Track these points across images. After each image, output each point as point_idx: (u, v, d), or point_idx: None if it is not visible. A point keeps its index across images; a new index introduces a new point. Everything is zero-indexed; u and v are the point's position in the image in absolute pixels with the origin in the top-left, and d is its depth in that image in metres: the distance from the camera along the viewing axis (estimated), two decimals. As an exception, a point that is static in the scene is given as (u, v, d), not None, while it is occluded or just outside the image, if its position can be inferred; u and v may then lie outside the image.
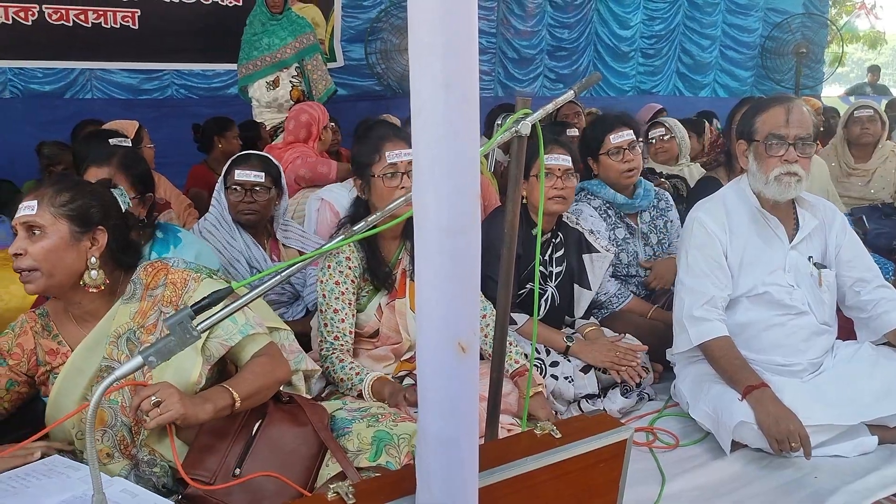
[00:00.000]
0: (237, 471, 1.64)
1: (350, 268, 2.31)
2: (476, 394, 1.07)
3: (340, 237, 1.36)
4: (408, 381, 2.33)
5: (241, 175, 2.80)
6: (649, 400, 2.74)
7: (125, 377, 1.19)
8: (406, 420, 1.89)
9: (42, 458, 1.62)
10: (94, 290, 1.74)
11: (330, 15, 7.32)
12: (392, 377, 2.29)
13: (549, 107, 1.54)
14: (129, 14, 6.49)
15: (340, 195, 3.41)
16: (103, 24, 6.40)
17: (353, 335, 2.32)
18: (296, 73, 5.78)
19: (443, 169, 0.98)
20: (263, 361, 1.81)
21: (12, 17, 6.04)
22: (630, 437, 1.34)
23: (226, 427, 1.70)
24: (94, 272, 1.73)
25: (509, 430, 2.16)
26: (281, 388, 1.89)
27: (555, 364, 2.60)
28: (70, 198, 1.73)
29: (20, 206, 1.71)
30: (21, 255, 1.68)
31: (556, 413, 2.46)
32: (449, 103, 0.97)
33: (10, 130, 5.80)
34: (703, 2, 9.42)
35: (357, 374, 2.20)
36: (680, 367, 2.63)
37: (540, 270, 2.75)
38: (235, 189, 2.79)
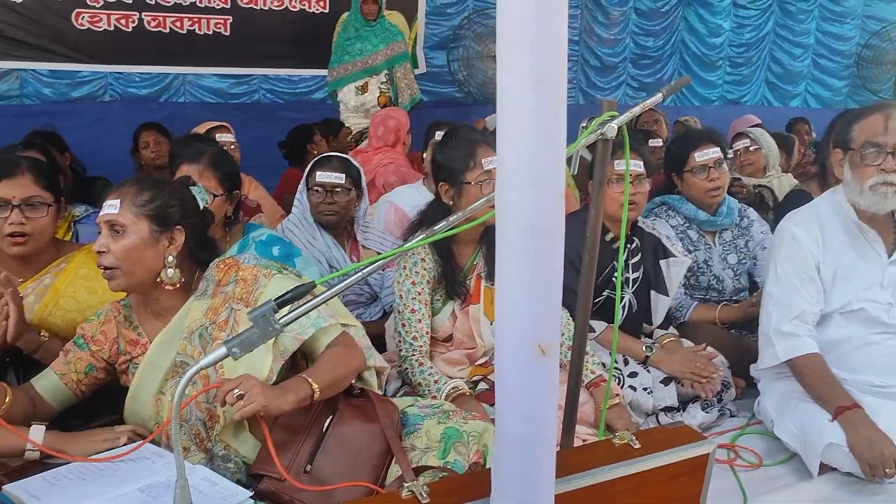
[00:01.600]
0: (308, 467, 1.66)
1: (425, 269, 2.32)
2: (555, 398, 1.05)
3: (421, 236, 1.36)
4: (482, 385, 2.32)
5: (322, 176, 2.85)
6: (731, 416, 2.64)
7: (208, 367, 1.22)
8: (477, 418, 1.87)
9: (128, 443, 1.68)
10: (171, 288, 1.80)
11: (413, 22, 7.40)
12: (466, 382, 2.28)
13: (636, 109, 1.51)
14: (222, 21, 6.72)
15: (407, 196, 3.44)
16: (197, 31, 6.65)
17: (429, 336, 2.32)
18: (385, 80, 5.88)
19: (528, 167, 0.96)
20: (339, 351, 1.83)
21: (114, 25, 6.34)
22: (713, 452, 1.30)
23: (298, 423, 1.72)
24: (170, 270, 1.78)
25: (584, 441, 2.12)
26: (353, 382, 1.90)
27: (633, 375, 2.54)
28: (151, 197, 1.78)
29: (104, 203, 1.78)
30: (104, 252, 1.74)
31: (635, 425, 2.40)
32: (536, 101, 0.95)
33: (109, 132, 6.08)
34: (796, 9, 9.09)
35: (436, 381, 2.20)
36: (765, 384, 2.53)
37: (616, 277, 2.69)
38: (317, 190, 2.85)
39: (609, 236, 2.69)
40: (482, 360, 2.37)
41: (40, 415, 1.79)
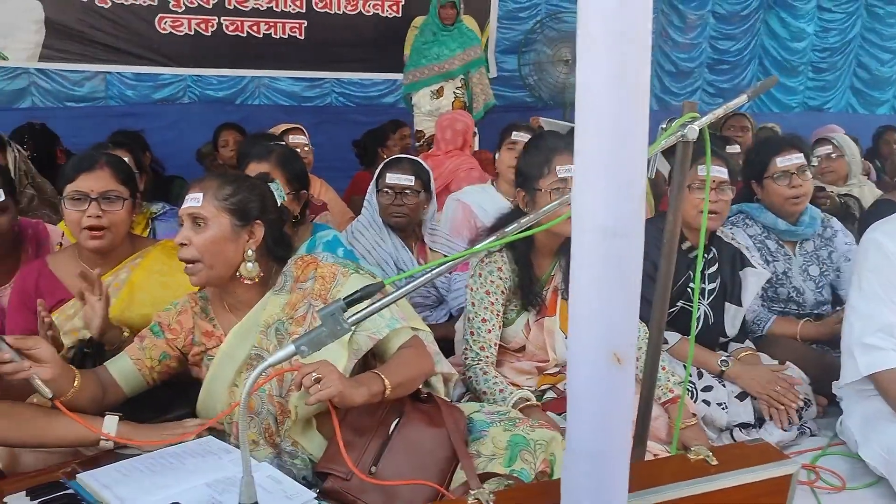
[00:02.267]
0: (373, 468, 1.65)
1: (501, 279, 2.27)
2: (630, 409, 1.00)
3: (492, 238, 1.33)
4: (549, 394, 2.27)
5: (391, 178, 2.86)
6: (811, 435, 2.52)
7: (277, 365, 1.21)
8: (545, 427, 1.83)
9: (197, 437, 1.69)
10: (249, 282, 1.81)
11: (486, 26, 7.39)
12: (534, 391, 2.24)
13: (719, 111, 1.44)
14: (297, 25, 6.85)
15: (475, 196, 3.41)
16: (273, 35, 6.80)
17: (497, 346, 2.27)
18: (460, 85, 5.89)
19: (607, 166, 0.93)
20: (411, 353, 1.83)
21: (194, 29, 6.55)
22: (796, 473, 1.22)
23: (364, 424, 1.71)
24: (249, 264, 1.79)
25: (655, 456, 2.05)
26: (420, 386, 1.89)
27: (708, 388, 2.45)
28: (232, 191, 1.80)
29: (186, 197, 1.80)
30: (186, 245, 1.76)
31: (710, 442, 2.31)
32: (618, 97, 0.92)
33: (187, 133, 6.26)
34: (885, 12, 8.69)
35: (501, 390, 2.15)
36: (848, 402, 2.40)
37: (691, 287, 2.60)
38: (386, 192, 2.86)
39: (685, 245, 2.60)
40: (552, 371, 2.32)
41: (109, 399, 1.80)
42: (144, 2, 6.38)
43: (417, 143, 5.76)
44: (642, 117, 0.94)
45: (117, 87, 6.51)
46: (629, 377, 1.00)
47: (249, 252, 1.80)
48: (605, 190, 0.93)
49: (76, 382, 1.67)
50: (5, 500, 1.49)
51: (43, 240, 2.55)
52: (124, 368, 1.84)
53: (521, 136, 3.41)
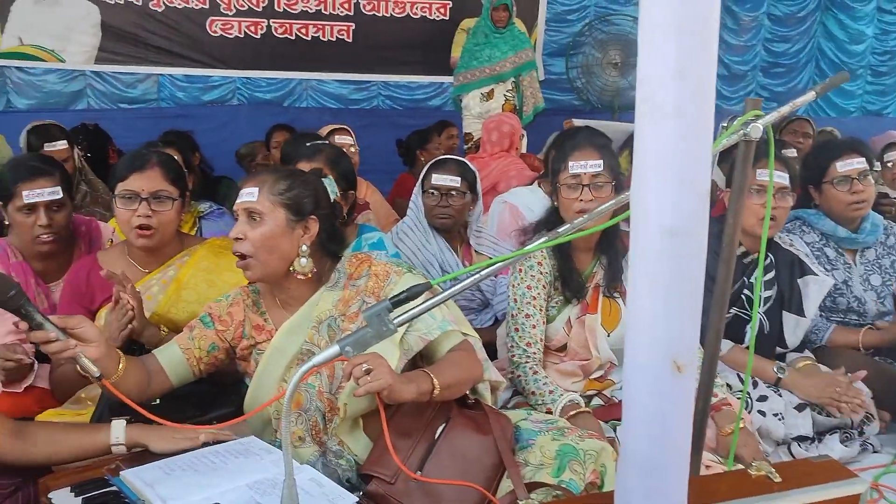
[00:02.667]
0: (418, 472, 1.62)
1: (542, 273, 2.24)
2: (689, 420, 0.95)
3: (540, 240, 1.29)
4: (596, 401, 2.21)
5: (437, 179, 2.83)
6: (873, 451, 2.41)
7: (321, 364, 1.19)
8: (594, 437, 1.77)
9: (204, 445, 1.65)
10: (303, 277, 1.79)
11: (533, 29, 7.34)
12: (581, 395, 2.18)
13: (785, 108, 1.38)
14: (345, 28, 6.88)
15: (523, 197, 3.37)
16: (321, 38, 6.85)
17: (543, 343, 2.24)
18: (511, 88, 5.86)
19: (670, 162, 0.88)
20: (462, 356, 1.80)
21: (244, 32, 6.63)
22: (866, 492, 1.15)
23: (410, 427, 1.68)
24: (303, 260, 1.78)
25: (708, 467, 1.98)
26: (467, 392, 1.85)
27: (763, 399, 2.36)
28: (287, 186, 1.78)
29: (242, 191, 1.79)
30: (241, 239, 1.75)
31: (765, 455, 2.22)
32: (682, 91, 0.87)
33: (235, 134, 6.32)
34: (949, 15, 8.39)
35: (550, 392, 2.11)
36: (913, 418, 2.29)
37: (745, 295, 2.52)
38: (432, 193, 2.83)
39: (741, 250, 2.51)
40: (597, 374, 2.26)
41: (155, 388, 1.79)
42: (196, 5, 6.47)
43: (466, 146, 5.74)
44: (707, 110, 0.89)
45: (168, 89, 6.62)
46: (689, 386, 0.95)
47: (304, 247, 1.78)
48: (667, 187, 0.88)
49: (121, 366, 1.65)
50: (51, 495, 1.50)
51: (95, 237, 2.58)
52: (173, 358, 1.82)
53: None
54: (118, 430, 1.66)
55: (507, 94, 5.87)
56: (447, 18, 7.14)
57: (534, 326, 2.21)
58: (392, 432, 1.62)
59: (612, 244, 2.25)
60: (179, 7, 6.43)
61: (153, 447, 1.65)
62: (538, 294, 2.22)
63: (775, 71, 8.16)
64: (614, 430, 2.05)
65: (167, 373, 1.81)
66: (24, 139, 3.42)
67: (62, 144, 3.39)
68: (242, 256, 1.76)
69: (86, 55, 6.33)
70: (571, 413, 2.05)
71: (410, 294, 1.24)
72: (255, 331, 1.86)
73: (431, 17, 7.13)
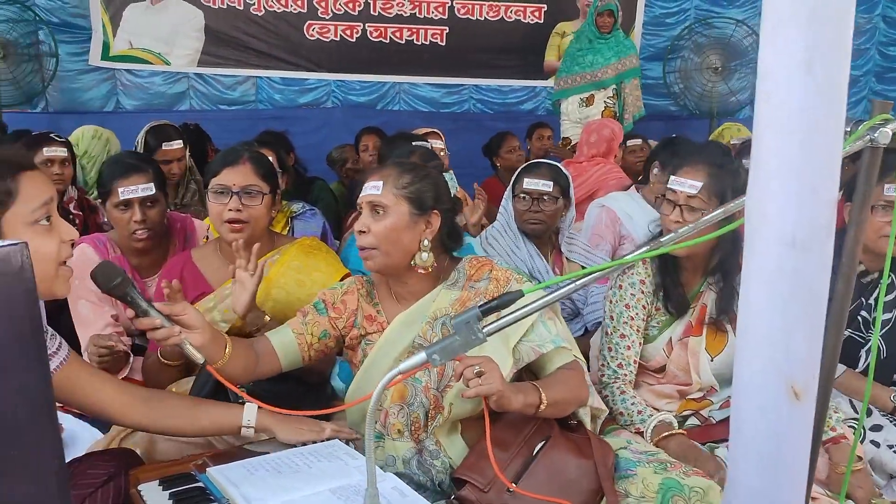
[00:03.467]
0: (513, 486, 1.57)
1: (643, 292, 2.13)
2: (807, 454, 0.86)
3: (644, 249, 1.21)
4: (692, 421, 2.09)
5: (529, 183, 2.76)
6: None
7: (407, 373, 1.16)
8: (699, 475, 1.68)
9: (328, 439, 1.66)
10: (423, 272, 1.78)
11: (630, 32, 7.17)
12: (675, 416, 2.07)
13: (920, 113, 1.25)
14: (439, 31, 6.91)
15: (621, 202, 3.26)
16: (415, 41, 6.90)
17: (637, 365, 2.13)
18: (612, 94, 5.75)
19: (794, 166, 0.80)
20: (571, 375, 1.75)
21: (340, 35, 6.74)
22: None
23: (509, 439, 1.64)
24: (425, 254, 1.77)
25: (814, 500, 1.84)
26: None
27: (877, 428, 2.18)
28: (411, 180, 1.78)
29: (366, 185, 1.79)
30: (364, 232, 1.75)
31: (878, 490, 2.05)
32: (809, 86, 0.78)
33: (329, 136, 6.43)
34: None
35: (639, 412, 2.02)
36: None
37: (862, 316, 2.34)
38: (523, 197, 2.76)
39: (859, 268, 2.33)
40: (695, 395, 2.13)
41: (263, 370, 1.80)
42: (294, 9, 6.63)
43: (566, 148, 5.67)
44: (838, 108, 0.80)
45: (266, 92, 6.80)
46: (807, 415, 0.86)
47: (425, 242, 1.77)
48: (789, 194, 0.80)
49: (227, 351, 1.66)
50: (140, 487, 1.52)
51: (190, 233, 2.64)
52: (285, 340, 1.82)
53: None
54: (250, 414, 1.68)
55: (608, 100, 5.76)
56: (542, 22, 7.07)
57: (628, 348, 2.11)
58: (490, 441, 1.58)
59: (727, 265, 2.08)
60: (279, 11, 6.60)
61: (280, 435, 1.67)
62: (636, 314, 2.12)
63: (890, 76, 7.70)
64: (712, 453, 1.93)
65: (279, 356, 1.81)
66: (142, 139, 3.56)
67: (177, 144, 3.53)
68: (365, 248, 1.76)
69: (189, 58, 6.58)
70: (664, 434, 1.95)
71: (502, 302, 1.20)
72: (367, 321, 1.85)
73: (526, 21, 7.08)
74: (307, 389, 2.11)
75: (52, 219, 1.41)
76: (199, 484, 1.51)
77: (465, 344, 1.16)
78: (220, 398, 1.99)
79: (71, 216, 3.45)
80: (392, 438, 1.74)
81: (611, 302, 2.15)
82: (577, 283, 1.17)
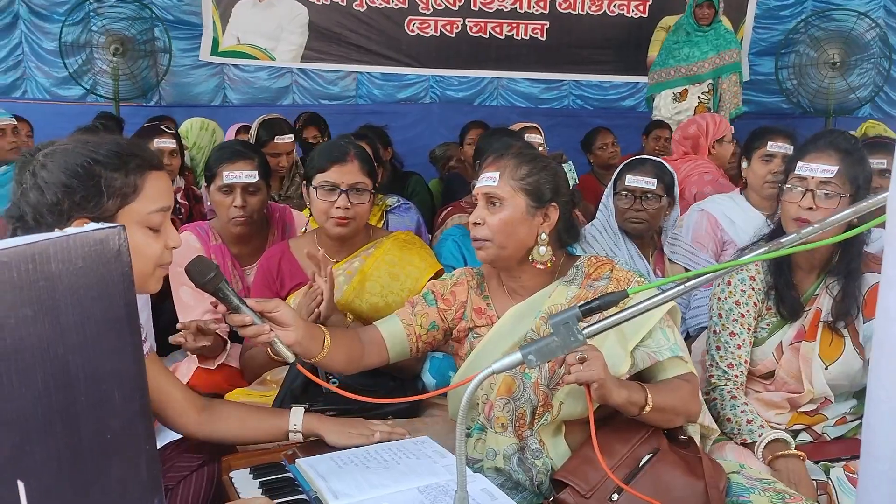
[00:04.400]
0: (615, 496, 1.50)
1: (753, 289, 2.01)
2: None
3: (763, 250, 1.12)
4: (804, 437, 1.95)
5: (631, 181, 2.65)
6: None
7: (501, 372, 1.11)
8: None
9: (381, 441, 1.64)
10: (540, 267, 1.72)
11: (741, 26, 6.87)
12: (785, 429, 1.93)
13: None
14: (539, 26, 6.82)
15: (722, 205, 3.10)
16: (515, 36, 6.84)
17: (747, 366, 2.01)
18: (707, 90, 5.48)
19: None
20: (683, 385, 1.65)
21: (440, 30, 6.75)
22: None
23: (614, 446, 1.57)
24: (542, 248, 1.71)
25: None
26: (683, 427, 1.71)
27: None
28: (529, 171, 1.72)
29: (482, 175, 1.75)
30: (479, 224, 1.71)
31: None
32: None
33: (426, 131, 6.48)
34: None
35: (749, 421, 1.89)
36: None
37: None
38: (624, 195, 2.66)
39: None
40: (808, 408, 1.99)
41: (370, 360, 1.77)
42: (396, 5, 6.68)
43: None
44: None
45: (366, 87, 6.89)
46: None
47: (543, 235, 1.71)
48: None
49: (326, 342, 1.64)
50: (231, 474, 1.54)
51: (288, 224, 2.68)
52: (394, 331, 1.79)
53: (778, 148, 3.04)
54: (297, 418, 1.68)
55: (702, 96, 5.50)
56: (646, 16, 6.87)
57: (739, 346, 1.99)
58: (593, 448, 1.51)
59: (850, 267, 1.93)
60: (380, 7, 6.67)
61: (327, 439, 1.66)
62: (747, 311, 2.00)
63: None
64: (826, 474, 1.79)
65: (387, 346, 1.78)
66: (255, 132, 3.65)
67: (289, 138, 3.62)
68: (480, 240, 1.71)
69: (293, 53, 6.74)
70: (778, 454, 1.81)
71: (604, 302, 1.13)
72: (476, 314, 1.81)
73: (629, 15, 6.90)
74: (398, 385, 2.09)
75: (163, 225, 1.44)
76: (289, 475, 1.51)
77: (564, 345, 1.10)
78: (312, 391, 2.00)
79: (177, 205, 3.58)
80: (495, 432, 1.69)
81: (719, 299, 2.04)
82: (687, 284, 1.09)
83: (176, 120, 4.87)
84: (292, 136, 3.63)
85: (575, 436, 1.64)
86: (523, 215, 1.69)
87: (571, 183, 1.81)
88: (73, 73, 6.40)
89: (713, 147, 4.03)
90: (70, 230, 0.76)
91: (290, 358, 1.56)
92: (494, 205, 1.70)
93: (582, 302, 1.62)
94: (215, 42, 6.68)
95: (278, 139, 3.54)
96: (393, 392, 2.01)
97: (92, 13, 6.41)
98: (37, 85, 6.68)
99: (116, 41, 6.30)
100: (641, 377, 1.68)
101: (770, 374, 2.02)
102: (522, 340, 1.71)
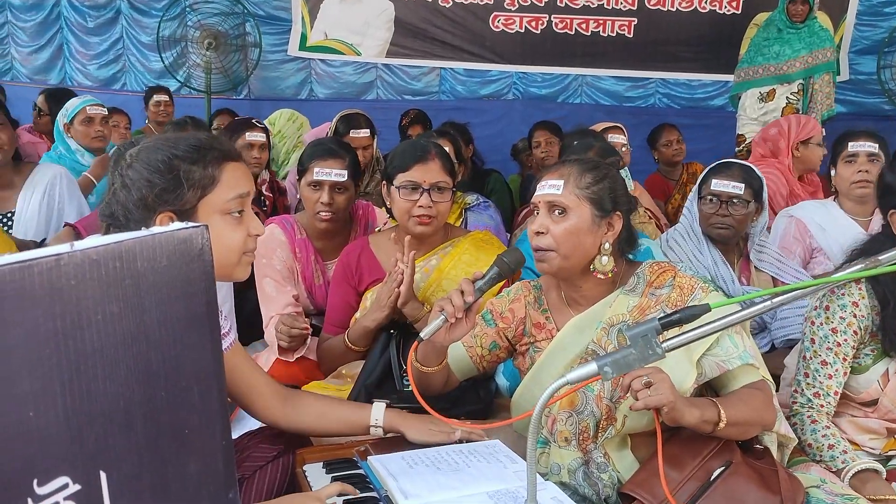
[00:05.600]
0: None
1: (856, 316, 1.86)
2: None
3: (859, 266, 1.06)
4: (895, 463, 1.85)
5: (717, 185, 2.55)
6: None
7: (575, 385, 1.09)
8: None
9: (460, 441, 1.63)
10: (602, 277, 1.68)
11: (841, 23, 6.56)
12: (881, 455, 1.83)
13: None
14: (626, 23, 6.68)
15: (813, 212, 2.96)
16: (601, 33, 6.72)
17: (837, 397, 1.89)
18: (797, 90, 5.21)
19: None
20: (756, 395, 1.59)
21: (525, 27, 6.70)
22: None
23: (684, 460, 1.52)
24: (605, 258, 1.67)
25: None
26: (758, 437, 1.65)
27: None
28: (593, 179, 1.68)
29: (544, 182, 1.71)
30: (542, 233, 1.67)
31: None
32: None
33: (507, 128, 6.44)
34: None
35: (830, 447, 1.79)
36: None
37: None
38: (710, 199, 2.57)
39: None
40: (908, 435, 1.87)
41: (451, 383, 1.85)
42: (482, 1, 6.67)
43: (737, 149, 5.26)
44: None
45: (449, 83, 6.90)
46: None
47: (606, 245, 1.67)
48: None
49: (442, 363, 1.74)
50: (305, 468, 1.56)
51: (371, 221, 2.71)
52: (456, 356, 1.82)
53: (860, 147, 2.89)
54: (378, 413, 1.68)
55: (791, 96, 5.21)
56: (739, 13, 6.64)
57: (829, 377, 1.87)
58: (663, 459, 1.47)
59: None
60: (466, 3, 6.67)
61: (408, 435, 1.66)
62: (844, 341, 1.86)
63: None
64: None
65: (454, 370, 1.84)
66: (333, 126, 3.72)
67: (365, 133, 3.65)
68: (542, 250, 1.68)
69: (378, 49, 6.82)
70: (867, 484, 1.71)
71: (685, 316, 1.10)
72: (536, 329, 1.79)
73: (721, 12, 6.68)
74: (471, 384, 2.08)
75: (244, 212, 1.47)
76: (360, 471, 1.53)
77: (642, 358, 1.08)
78: (388, 385, 2.02)
79: (262, 197, 3.67)
80: (558, 446, 1.67)
81: (813, 323, 1.92)
82: (774, 301, 1.04)
83: (263, 113, 5.01)
84: (368, 130, 3.67)
85: (642, 448, 1.61)
86: (588, 225, 1.64)
87: (630, 188, 1.75)
88: (169, 67, 6.66)
89: (796, 149, 3.80)
90: (155, 229, 0.78)
91: (427, 335, 1.60)
92: (558, 213, 1.66)
93: (644, 310, 1.61)
94: (303, 37, 6.82)
95: (353, 133, 3.58)
96: (466, 392, 2.01)
97: (188, 9, 6.65)
98: (135, 77, 6.97)
99: (210, 36, 6.52)
100: (710, 386, 1.63)
101: (873, 402, 1.90)
102: (584, 352, 1.67)
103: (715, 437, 1.54)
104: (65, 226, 2.90)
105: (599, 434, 1.63)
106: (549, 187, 1.68)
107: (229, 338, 1.61)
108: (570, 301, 1.77)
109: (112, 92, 6.79)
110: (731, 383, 1.62)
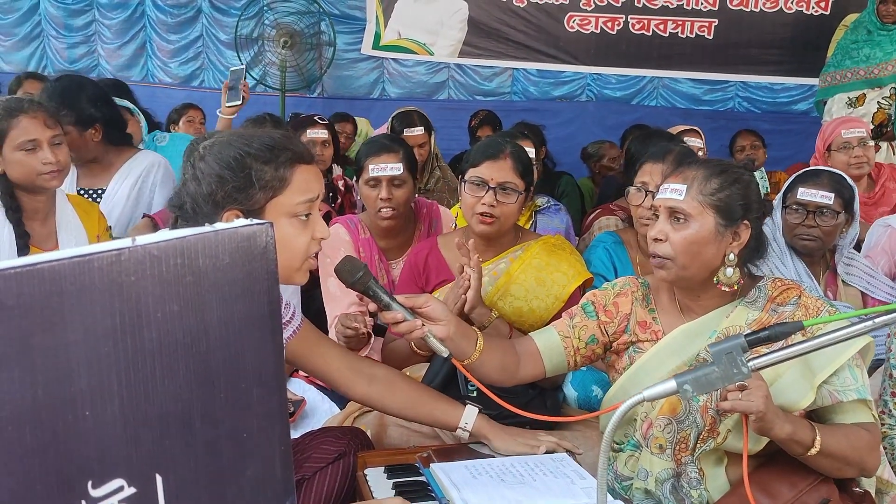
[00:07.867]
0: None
1: None
2: None
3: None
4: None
5: (804, 194, 2.42)
6: None
7: (652, 400, 1.03)
8: None
9: (547, 452, 1.57)
10: (727, 289, 1.58)
11: (937, 24, 6.21)
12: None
13: None
14: (706, 24, 6.49)
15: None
16: (679, 34, 6.54)
17: None
18: (889, 95, 4.95)
19: None
20: (863, 435, 1.49)
21: (601, 27, 6.58)
22: None
23: (777, 489, 1.45)
24: (730, 270, 1.56)
25: None
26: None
27: None
28: (720, 185, 1.57)
29: (665, 186, 1.62)
30: (661, 240, 1.58)
31: None
32: None
33: (580, 130, 6.34)
34: None
35: None
36: None
37: None
38: (795, 209, 2.44)
39: None
40: None
41: (526, 373, 1.70)
42: (557, 1, 6.57)
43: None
44: None
45: (521, 84, 6.83)
46: None
47: (731, 256, 1.56)
48: None
49: (478, 346, 1.59)
50: (366, 471, 1.54)
51: (435, 220, 2.67)
52: (550, 342, 1.71)
53: None
54: (470, 417, 1.64)
55: (882, 101, 4.94)
56: (827, 13, 6.37)
57: None
58: (754, 487, 1.38)
59: None
60: (540, 2, 6.59)
61: (494, 444, 1.62)
62: None
63: None
64: None
65: (543, 358, 1.70)
66: (389, 125, 3.73)
67: (419, 130, 3.64)
68: (660, 257, 1.59)
69: (451, 49, 6.80)
70: None
71: (774, 333, 1.02)
72: (640, 327, 1.70)
73: (808, 12, 6.42)
74: (538, 393, 2.03)
75: (310, 216, 1.46)
76: (422, 478, 1.49)
77: (725, 377, 1.01)
78: (452, 389, 1.98)
79: (334, 192, 3.69)
80: (651, 452, 1.58)
81: (892, 351, 1.83)
82: (877, 320, 0.96)
83: (335, 112, 5.04)
84: (423, 128, 3.65)
85: (736, 469, 1.51)
86: (711, 234, 1.53)
87: (763, 192, 1.62)
88: (246, 65, 6.78)
89: (827, 153, 3.59)
90: (218, 225, 0.76)
91: (445, 353, 1.53)
92: (679, 220, 1.56)
93: (764, 325, 1.49)
94: (377, 36, 6.86)
95: (407, 132, 3.57)
96: (533, 401, 1.95)
97: (265, 8, 6.76)
98: (213, 75, 7.14)
99: (286, 34, 6.61)
100: (815, 416, 1.52)
101: None
102: (693, 360, 1.58)
103: (813, 472, 1.46)
104: (143, 217, 2.94)
105: (698, 446, 1.54)
106: (670, 191, 1.58)
107: (294, 322, 1.61)
108: (683, 307, 1.67)
109: (190, 89, 6.96)
110: (839, 416, 1.52)
